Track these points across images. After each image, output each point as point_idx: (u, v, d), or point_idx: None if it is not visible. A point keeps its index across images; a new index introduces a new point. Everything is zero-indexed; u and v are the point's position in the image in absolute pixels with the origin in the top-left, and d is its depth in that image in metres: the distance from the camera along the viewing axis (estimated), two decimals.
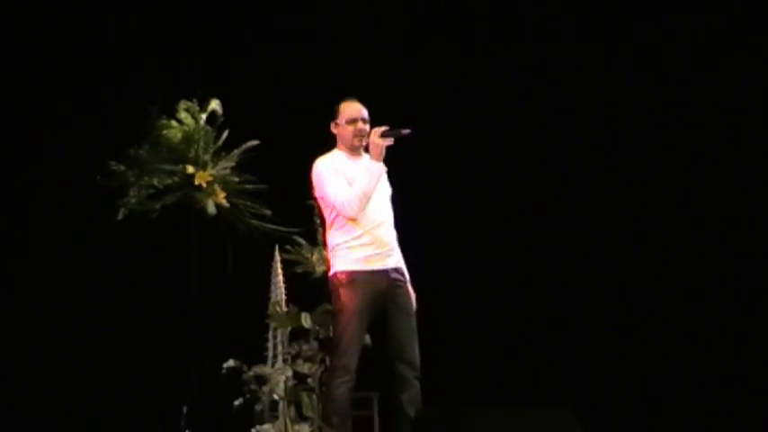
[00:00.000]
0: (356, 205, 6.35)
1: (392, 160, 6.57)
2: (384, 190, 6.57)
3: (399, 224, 6.66)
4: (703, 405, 8.53)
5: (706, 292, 8.88)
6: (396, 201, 6.70)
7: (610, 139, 9.18)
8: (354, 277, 6.36)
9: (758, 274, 8.67)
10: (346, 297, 6.38)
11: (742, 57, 8.58)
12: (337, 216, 6.42)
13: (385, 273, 6.40)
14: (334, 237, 6.49)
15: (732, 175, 8.76)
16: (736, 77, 8.54)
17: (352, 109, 6.56)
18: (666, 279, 9.04)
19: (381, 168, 6.37)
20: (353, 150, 6.48)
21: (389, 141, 6.34)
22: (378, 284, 6.37)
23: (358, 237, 6.41)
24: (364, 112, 6.55)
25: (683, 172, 8.94)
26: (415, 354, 6.39)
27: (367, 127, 6.47)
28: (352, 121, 6.50)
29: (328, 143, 6.67)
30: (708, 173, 8.85)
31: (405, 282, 6.50)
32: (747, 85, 8.54)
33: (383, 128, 6.35)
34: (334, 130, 6.58)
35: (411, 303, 6.48)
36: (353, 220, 6.39)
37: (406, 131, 6.31)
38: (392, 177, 6.69)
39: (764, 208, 8.50)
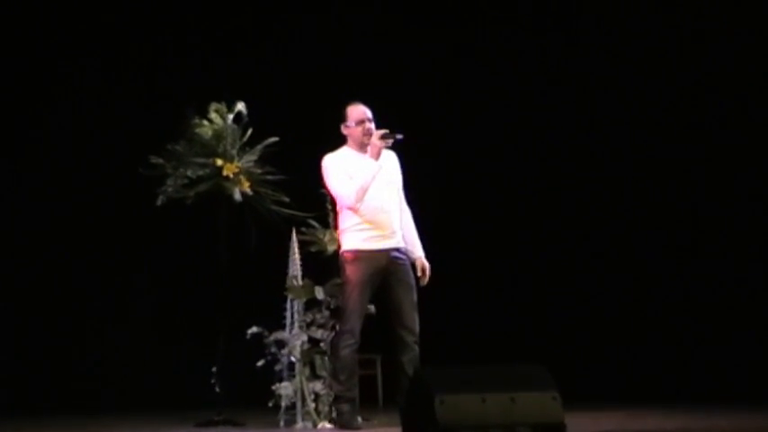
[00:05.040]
0: (354, 197, 6.61)
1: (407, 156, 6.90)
2: (389, 181, 6.77)
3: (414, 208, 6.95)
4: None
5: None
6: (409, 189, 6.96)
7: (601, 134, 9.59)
8: (358, 255, 6.66)
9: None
10: (350, 272, 6.67)
11: None
12: None
13: (385, 252, 6.65)
14: (342, 221, 6.78)
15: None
16: None
17: (359, 111, 6.80)
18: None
19: (378, 166, 6.60)
20: (362, 147, 6.70)
21: (387, 143, 6.62)
22: (378, 261, 6.64)
23: (361, 221, 6.68)
24: (369, 113, 6.80)
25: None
26: (415, 321, 6.63)
27: (373, 126, 6.72)
28: (361, 122, 6.75)
29: (337, 139, 6.89)
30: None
31: (405, 259, 6.71)
32: None
33: (382, 131, 6.63)
34: (344, 131, 6.83)
35: (410, 277, 6.69)
36: (353, 209, 6.65)
37: (399, 136, 6.60)
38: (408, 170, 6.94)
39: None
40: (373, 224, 6.71)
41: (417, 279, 6.80)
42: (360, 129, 6.80)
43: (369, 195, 6.67)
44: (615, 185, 9.62)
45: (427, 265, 6.82)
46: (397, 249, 6.75)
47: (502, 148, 9.90)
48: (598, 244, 9.72)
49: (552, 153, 9.91)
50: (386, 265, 6.68)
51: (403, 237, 6.81)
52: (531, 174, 9.90)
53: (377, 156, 6.65)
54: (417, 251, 6.86)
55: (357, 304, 6.69)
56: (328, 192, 6.93)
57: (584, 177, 9.79)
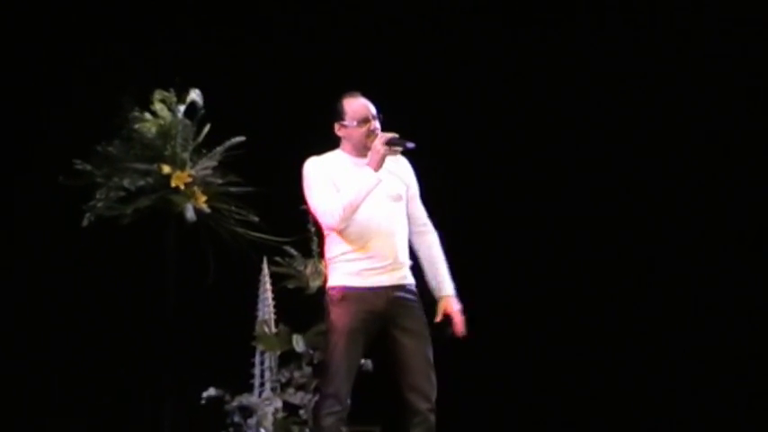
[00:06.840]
0: (339, 216, 5.99)
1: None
2: (393, 196, 6.17)
3: None
4: None
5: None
6: None
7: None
8: (346, 294, 6.02)
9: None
10: (336, 316, 6.04)
11: None
12: None
13: (383, 290, 6.01)
14: (330, 248, 6.10)
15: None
16: None
17: (361, 106, 6.13)
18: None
19: (376, 179, 6.02)
20: (362, 153, 6.07)
21: (393, 151, 6.01)
22: (374, 303, 6.01)
23: (354, 249, 6.05)
24: (373, 109, 6.16)
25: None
26: (429, 382, 6.00)
27: (378, 125, 6.14)
28: (364, 120, 6.10)
29: (323, 140, 6.24)
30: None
31: (413, 300, 6.07)
32: None
33: (390, 135, 6.00)
34: (339, 132, 6.15)
35: (421, 324, 6.04)
36: (338, 231, 6.08)
37: (411, 145, 6.01)
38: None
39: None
40: (368, 252, 6.06)
41: (444, 326, 6.22)
42: (363, 129, 6.12)
43: (363, 213, 6.02)
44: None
45: (458, 307, 6.22)
46: (402, 287, 6.07)
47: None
48: (661, 287, 8.96)
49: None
50: (385, 308, 6.02)
51: (425, 269, 6.26)
52: (576, 199, 9.11)
53: (377, 165, 5.98)
54: (445, 288, 6.24)
55: (343, 360, 6.05)
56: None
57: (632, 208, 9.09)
